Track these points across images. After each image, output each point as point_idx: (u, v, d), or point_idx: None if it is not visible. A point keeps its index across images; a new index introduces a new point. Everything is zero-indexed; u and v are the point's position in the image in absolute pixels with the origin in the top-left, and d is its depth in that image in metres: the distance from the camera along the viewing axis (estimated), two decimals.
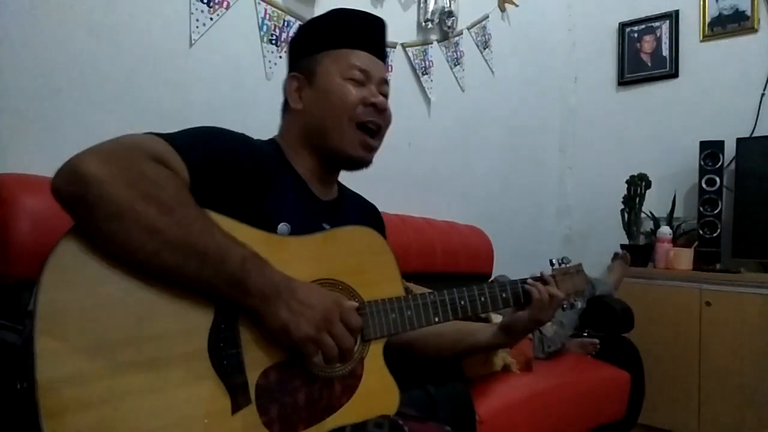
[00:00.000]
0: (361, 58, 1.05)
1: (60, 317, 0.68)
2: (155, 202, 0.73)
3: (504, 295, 1.10)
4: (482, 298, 1.07)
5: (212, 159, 0.88)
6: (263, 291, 0.79)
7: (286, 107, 1.09)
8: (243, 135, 1.00)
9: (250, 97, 1.89)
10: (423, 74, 2.49)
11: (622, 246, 2.82)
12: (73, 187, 0.72)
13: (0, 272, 1.34)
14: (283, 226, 0.93)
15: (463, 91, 2.72)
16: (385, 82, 1.09)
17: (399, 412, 0.95)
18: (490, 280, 2.28)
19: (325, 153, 1.05)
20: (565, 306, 1.16)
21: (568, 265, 1.20)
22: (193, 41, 1.75)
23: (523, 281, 1.14)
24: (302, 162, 1.05)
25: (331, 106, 1.02)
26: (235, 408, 0.78)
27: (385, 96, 1.08)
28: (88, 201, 0.71)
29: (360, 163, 1.07)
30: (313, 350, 0.82)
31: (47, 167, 1.38)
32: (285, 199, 0.98)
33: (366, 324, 0.93)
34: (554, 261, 1.19)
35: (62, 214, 1.37)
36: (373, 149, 1.07)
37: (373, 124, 1.04)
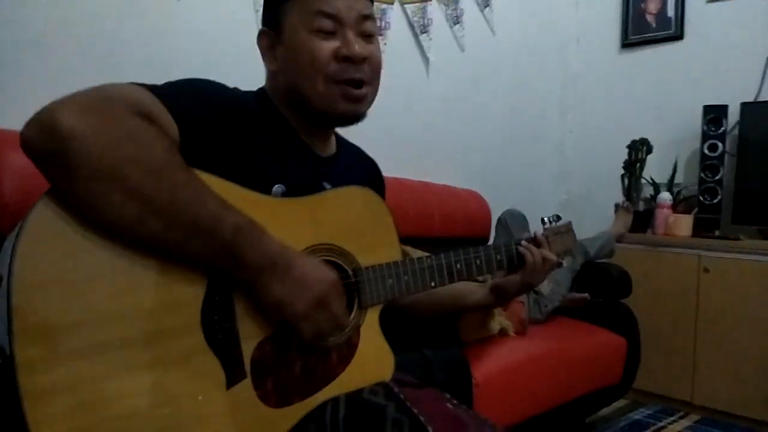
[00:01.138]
0: (328, 2, 0.88)
1: (38, 292, 0.62)
2: (141, 163, 0.66)
3: (498, 258, 1.09)
4: (477, 261, 1.06)
5: (203, 114, 0.81)
6: (258, 263, 0.73)
7: (265, 66, 0.98)
8: (234, 88, 0.93)
9: (241, 49, 1.81)
10: (422, 33, 2.42)
11: None
12: (48, 141, 0.63)
13: None
14: (277, 188, 0.87)
15: (462, 50, 2.64)
16: (366, 17, 0.92)
17: (396, 379, 0.92)
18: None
19: (310, 113, 0.93)
20: (553, 266, 1.16)
21: (558, 224, 1.19)
22: None
23: (517, 242, 1.13)
24: (294, 116, 0.96)
25: (302, 67, 0.89)
26: (230, 383, 0.75)
27: (369, 35, 0.93)
28: (65, 159, 0.63)
29: (349, 117, 0.94)
30: (307, 328, 0.78)
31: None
32: (280, 158, 0.91)
33: (363, 291, 0.90)
34: (546, 219, 1.18)
35: None
36: (360, 99, 0.93)
37: (352, 81, 0.91)
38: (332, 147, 1.04)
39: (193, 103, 0.81)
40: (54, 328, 0.63)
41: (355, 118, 0.95)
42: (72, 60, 1.48)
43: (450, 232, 2.31)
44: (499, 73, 2.88)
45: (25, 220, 0.63)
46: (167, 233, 0.68)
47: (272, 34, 0.93)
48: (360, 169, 1.09)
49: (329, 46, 0.89)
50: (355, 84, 0.92)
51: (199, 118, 0.81)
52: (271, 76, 0.98)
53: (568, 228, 1.22)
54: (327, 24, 0.89)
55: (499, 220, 2.21)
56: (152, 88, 0.78)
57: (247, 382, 0.77)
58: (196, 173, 0.72)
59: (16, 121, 1.34)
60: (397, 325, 0.99)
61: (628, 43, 3.11)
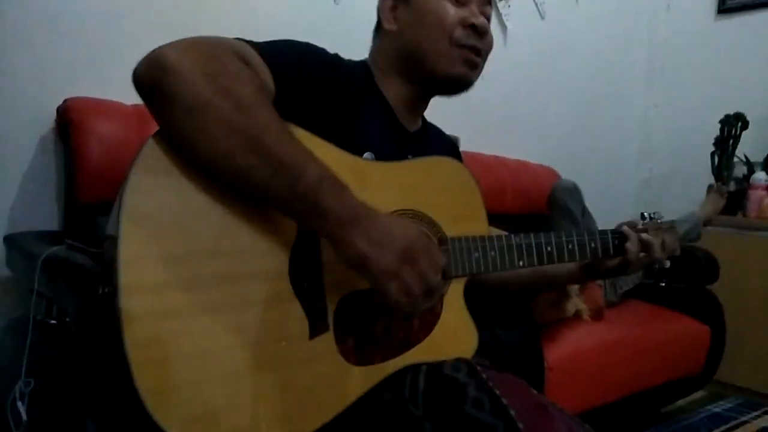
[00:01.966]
0: None
1: (144, 223, 0.66)
2: (233, 98, 0.68)
3: (593, 245, 1.02)
4: (570, 246, 1.00)
5: (301, 73, 0.83)
6: (340, 215, 0.70)
7: (379, 28, 1.02)
8: (335, 54, 0.94)
9: (315, 21, 1.80)
10: None
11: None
12: (151, 73, 0.68)
13: (72, 196, 1.37)
14: (368, 155, 0.88)
15: (542, 18, 2.52)
16: (488, 2, 0.99)
17: (477, 362, 0.88)
18: None
19: (422, 77, 0.97)
20: (656, 267, 1.08)
21: (660, 221, 1.10)
22: None
23: (615, 233, 1.05)
24: (393, 88, 0.99)
25: (428, 27, 0.94)
26: (313, 333, 0.75)
27: (488, 18, 0.99)
28: (164, 89, 0.67)
29: (462, 82, 0.98)
30: (395, 287, 0.72)
31: (115, 92, 1.39)
32: (372, 127, 0.93)
33: (447, 260, 0.87)
34: (646, 215, 1.10)
35: (131, 138, 1.36)
36: (476, 66, 0.98)
37: (473, 50, 0.96)
38: (419, 124, 1.06)
39: (292, 61, 0.83)
40: (154, 257, 0.66)
41: (467, 83, 0.99)
42: (150, 32, 1.50)
43: (522, 208, 2.25)
44: (581, 43, 2.74)
45: (137, 156, 0.67)
46: (254, 170, 0.68)
47: None
48: (442, 148, 1.11)
49: (459, 12, 0.95)
50: (475, 51, 0.96)
51: (296, 77, 0.82)
52: (385, 38, 1.00)
53: (671, 226, 1.13)
54: None
55: (552, 197, 2.00)
56: (254, 44, 0.80)
57: (329, 335, 0.77)
58: (285, 122, 0.73)
59: (103, 90, 1.39)
60: (471, 303, 0.96)
61: (725, 8, 2.87)
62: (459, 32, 0.94)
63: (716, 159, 2.63)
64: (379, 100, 0.98)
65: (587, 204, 2.04)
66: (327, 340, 0.77)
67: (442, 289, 0.88)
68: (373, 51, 1.04)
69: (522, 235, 0.96)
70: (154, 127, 0.70)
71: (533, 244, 0.96)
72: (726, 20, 2.89)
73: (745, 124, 2.56)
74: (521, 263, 0.95)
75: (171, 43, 0.70)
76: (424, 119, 1.10)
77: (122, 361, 0.62)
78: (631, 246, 1.03)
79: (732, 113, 2.58)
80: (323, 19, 1.84)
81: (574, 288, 1.64)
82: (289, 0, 1.77)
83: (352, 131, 0.89)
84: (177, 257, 0.67)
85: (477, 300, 1.08)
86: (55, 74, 1.41)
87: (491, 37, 1.00)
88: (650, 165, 3.15)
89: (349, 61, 0.99)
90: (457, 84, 0.98)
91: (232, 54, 0.74)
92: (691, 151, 2.84)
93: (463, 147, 1.98)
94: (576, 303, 1.65)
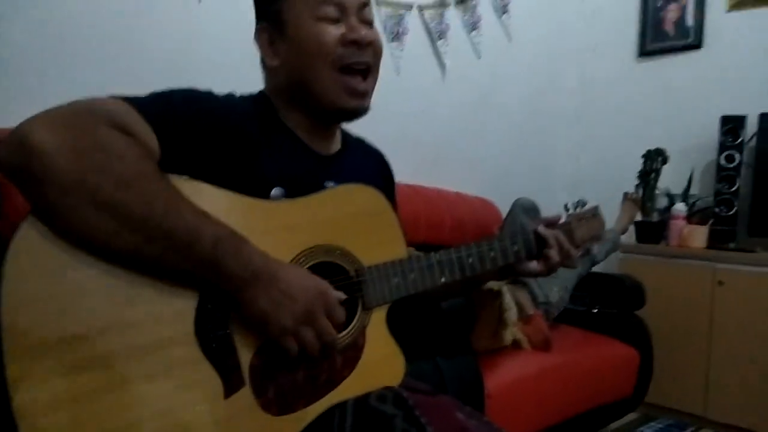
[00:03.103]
0: None
1: (28, 310, 0.62)
2: (110, 175, 0.65)
3: (516, 249, 1.02)
4: (492, 254, 0.99)
5: (186, 123, 0.79)
6: (241, 276, 0.71)
7: (263, 65, 0.97)
8: (227, 94, 0.91)
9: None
10: (439, 38, 2.41)
11: (636, 223, 2.76)
12: (16, 156, 0.63)
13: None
14: (276, 191, 0.86)
15: (479, 57, 2.64)
16: (365, 4, 0.93)
17: (408, 386, 0.90)
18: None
19: (314, 108, 0.93)
20: (582, 253, 1.10)
21: (584, 209, 1.13)
22: None
23: (535, 230, 1.05)
24: (296, 117, 0.95)
25: (308, 55, 0.89)
26: (229, 391, 0.74)
27: (369, 23, 0.94)
28: (33, 173, 0.62)
29: (353, 113, 0.94)
30: (293, 345, 0.76)
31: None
32: (278, 160, 0.89)
33: (367, 291, 0.87)
34: (569, 206, 1.12)
35: None
36: (363, 94, 0.94)
37: (358, 65, 0.92)
38: (336, 144, 1.02)
39: (175, 114, 0.79)
40: (46, 344, 0.63)
41: (357, 113, 0.95)
42: (88, 64, 1.48)
43: (460, 239, 2.28)
44: (515, 80, 2.87)
45: (11, 241, 0.63)
46: (144, 247, 0.67)
47: (272, 29, 0.93)
48: (366, 164, 1.07)
49: (336, 31, 0.90)
50: (363, 73, 0.93)
51: (181, 129, 0.79)
52: (271, 73, 0.96)
53: (595, 213, 1.13)
54: (332, 11, 0.90)
55: (510, 212, 2.12)
56: (129, 99, 0.76)
57: (246, 390, 0.75)
58: (172, 183, 0.71)
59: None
60: (410, 334, 0.98)
61: (645, 51, 3.07)
62: (340, 51, 0.90)
63: (640, 191, 2.78)
64: (284, 131, 0.94)
65: None
66: (245, 396, 0.75)
67: (360, 319, 0.87)
68: (266, 85, 0.99)
69: (442, 251, 0.95)
70: None
71: (454, 259, 0.95)
72: (646, 63, 3.10)
73: (665, 159, 2.71)
74: (443, 279, 0.94)
75: (36, 118, 0.65)
76: (345, 136, 1.06)
77: None
78: (551, 251, 1.03)
79: (653, 148, 2.74)
80: None
81: (512, 317, 1.68)
82: (233, 32, 1.78)
83: (255, 169, 0.85)
84: (69, 339, 0.64)
85: (417, 330, 1.10)
86: None
87: (378, 41, 0.95)
88: (581, 197, 3.29)
89: (244, 96, 0.95)
90: (349, 114, 0.95)
91: (105, 123, 0.69)
92: (618, 183, 2.98)
93: (405, 180, 2.03)
94: (514, 332, 1.69)
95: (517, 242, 1.02)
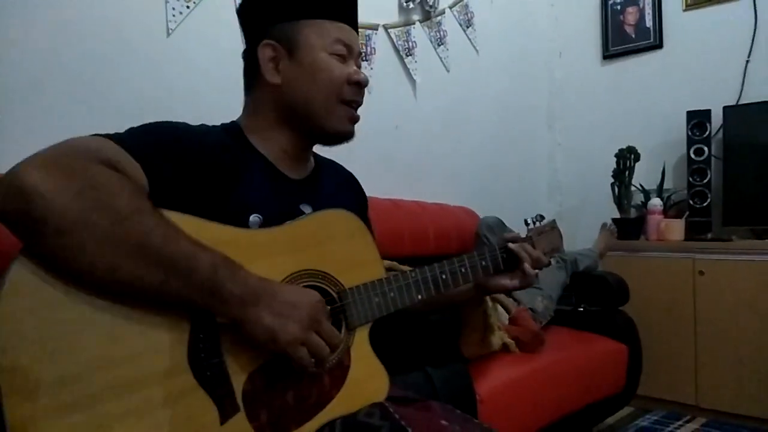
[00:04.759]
0: (343, 32, 0.99)
1: (22, 350, 0.63)
2: (108, 211, 0.67)
3: (484, 263, 1.09)
4: (463, 270, 1.06)
5: (168, 158, 0.82)
6: (242, 298, 0.74)
7: (254, 80, 1.00)
8: (200, 125, 0.95)
9: (233, 84, 1.85)
10: (407, 56, 2.46)
11: (614, 220, 2.82)
12: (13, 201, 0.64)
13: None
14: (254, 218, 0.89)
15: (448, 71, 2.69)
16: (359, 55, 1.05)
17: (392, 396, 0.93)
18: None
19: (309, 129, 1.00)
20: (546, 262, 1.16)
21: (542, 223, 1.19)
22: (170, 30, 1.71)
23: (501, 248, 1.11)
24: (272, 142, 0.99)
25: (319, 84, 0.97)
26: (224, 418, 0.76)
27: (360, 65, 1.05)
28: (32, 217, 0.63)
29: (348, 136, 1.03)
30: (304, 352, 0.78)
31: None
32: (254, 188, 0.93)
33: (350, 312, 0.91)
34: (529, 221, 1.18)
35: None
36: (357, 120, 1.04)
37: (356, 103, 1.02)
38: (308, 168, 1.06)
39: (158, 149, 0.82)
40: (43, 384, 0.64)
41: (350, 137, 1.04)
42: (63, 101, 1.50)
43: (445, 249, 2.31)
44: (485, 91, 2.93)
45: (2, 280, 0.64)
46: (144, 277, 0.69)
47: (280, 48, 0.97)
48: (338, 185, 1.12)
49: (345, 70, 0.99)
50: (357, 106, 1.03)
51: (164, 164, 0.81)
52: (267, 89, 0.99)
53: (553, 226, 1.21)
54: (343, 51, 0.99)
55: (477, 233, 2.22)
56: (114, 137, 0.79)
57: (240, 416, 0.77)
58: (166, 215, 0.73)
59: (6, 165, 1.37)
60: (399, 344, 1.00)
61: (609, 54, 3.17)
62: (346, 89, 0.98)
63: (616, 189, 2.84)
64: (257, 159, 0.97)
65: None
66: (240, 421, 0.77)
67: (344, 340, 0.90)
68: (249, 105, 1.03)
69: (418, 270, 1.00)
70: None
71: (428, 277, 1.01)
72: (610, 65, 3.19)
73: (637, 156, 2.79)
74: (420, 296, 0.99)
75: (27, 162, 0.66)
76: (316, 159, 1.10)
77: None
78: (522, 261, 1.10)
79: (625, 147, 2.81)
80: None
81: (496, 322, 1.71)
82: (204, 64, 1.81)
83: (233, 199, 0.88)
84: (65, 379, 0.65)
85: (406, 341, 1.13)
86: None
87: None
88: (560, 199, 3.37)
89: (216, 126, 0.99)
90: (343, 138, 1.03)
91: (95, 161, 0.71)
92: (595, 183, 3.06)
93: (383, 194, 2.06)
94: (501, 336, 1.72)
95: (485, 257, 1.09)
